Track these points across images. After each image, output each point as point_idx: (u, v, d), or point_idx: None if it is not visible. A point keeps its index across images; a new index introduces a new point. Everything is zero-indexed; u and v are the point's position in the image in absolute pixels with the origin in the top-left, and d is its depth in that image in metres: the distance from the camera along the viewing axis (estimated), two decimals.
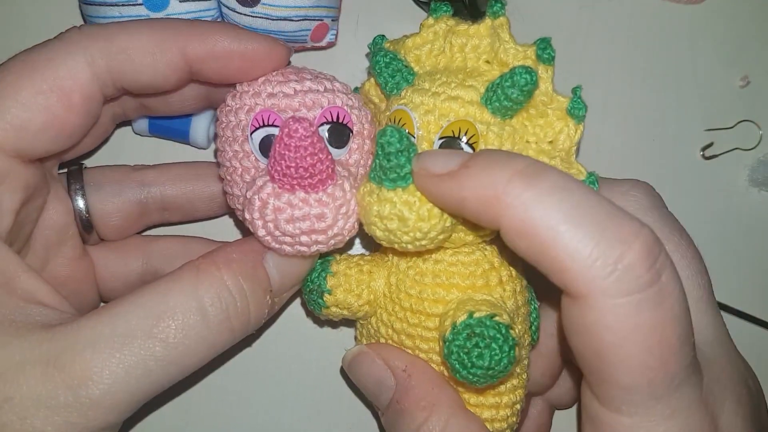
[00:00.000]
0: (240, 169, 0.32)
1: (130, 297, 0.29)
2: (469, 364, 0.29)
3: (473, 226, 0.31)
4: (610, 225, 0.24)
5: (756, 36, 0.44)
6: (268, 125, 0.31)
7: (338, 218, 0.30)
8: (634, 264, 0.24)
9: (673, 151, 0.44)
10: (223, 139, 0.33)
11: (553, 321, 0.36)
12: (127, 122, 0.40)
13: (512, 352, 0.29)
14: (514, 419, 0.34)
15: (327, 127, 0.32)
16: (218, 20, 0.38)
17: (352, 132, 0.32)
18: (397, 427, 0.32)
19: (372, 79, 0.35)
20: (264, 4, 0.36)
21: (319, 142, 0.29)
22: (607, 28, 0.44)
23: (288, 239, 0.30)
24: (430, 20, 0.34)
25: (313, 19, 0.37)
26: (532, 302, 0.35)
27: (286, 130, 0.28)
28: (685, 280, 0.28)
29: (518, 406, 0.33)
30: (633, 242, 0.24)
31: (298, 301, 0.42)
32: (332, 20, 0.39)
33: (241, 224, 0.38)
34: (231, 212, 0.40)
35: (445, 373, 0.32)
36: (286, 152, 0.29)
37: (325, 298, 0.34)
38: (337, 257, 0.35)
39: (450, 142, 0.30)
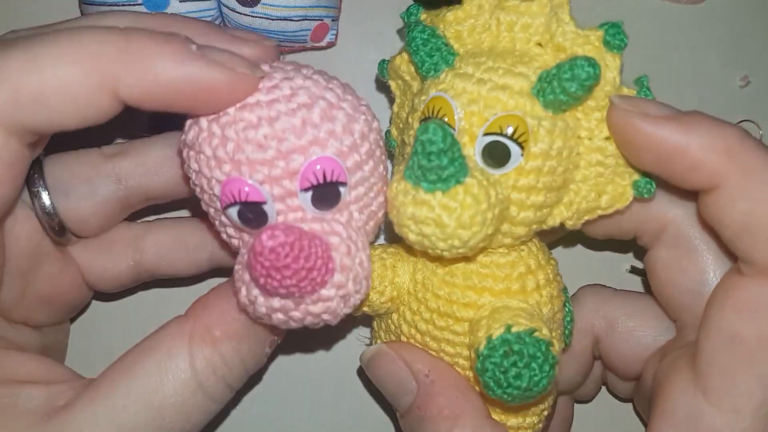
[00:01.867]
0: (224, 231, 0.28)
1: (125, 376, 0.27)
2: (506, 384, 0.26)
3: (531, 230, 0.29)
4: None
5: (756, 36, 0.44)
6: (239, 201, 0.25)
7: (348, 299, 0.27)
8: None
9: None
10: (198, 189, 0.27)
11: (588, 320, 0.35)
12: None
13: (552, 371, 0.27)
14: (541, 426, 0.32)
15: (310, 192, 0.26)
16: (210, 20, 0.35)
17: (346, 183, 0.27)
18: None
19: (404, 54, 0.31)
20: (264, 4, 0.36)
21: (302, 251, 0.24)
22: None
23: (296, 323, 0.27)
24: None
25: (313, 19, 0.37)
26: (567, 304, 0.33)
27: (258, 249, 0.23)
28: None
29: (546, 413, 0.32)
30: None
31: None
32: (332, 20, 0.38)
33: None
34: None
35: (470, 377, 0.30)
36: (268, 280, 0.24)
37: None
38: None
39: (498, 139, 0.27)
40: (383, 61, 0.34)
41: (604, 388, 0.40)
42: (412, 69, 0.31)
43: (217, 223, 0.28)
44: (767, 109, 0.44)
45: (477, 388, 0.30)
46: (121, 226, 0.36)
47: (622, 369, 0.35)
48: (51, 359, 0.29)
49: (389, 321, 0.32)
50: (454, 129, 0.28)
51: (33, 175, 0.32)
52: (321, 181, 0.26)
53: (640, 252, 0.42)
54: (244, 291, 0.26)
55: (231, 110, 0.26)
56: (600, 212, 0.29)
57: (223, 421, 0.41)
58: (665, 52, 0.44)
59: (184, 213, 0.40)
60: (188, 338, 0.27)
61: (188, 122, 0.27)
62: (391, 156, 0.39)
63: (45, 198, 0.31)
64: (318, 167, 0.25)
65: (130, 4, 0.35)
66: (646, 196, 0.29)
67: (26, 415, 0.26)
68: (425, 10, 0.31)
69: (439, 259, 0.30)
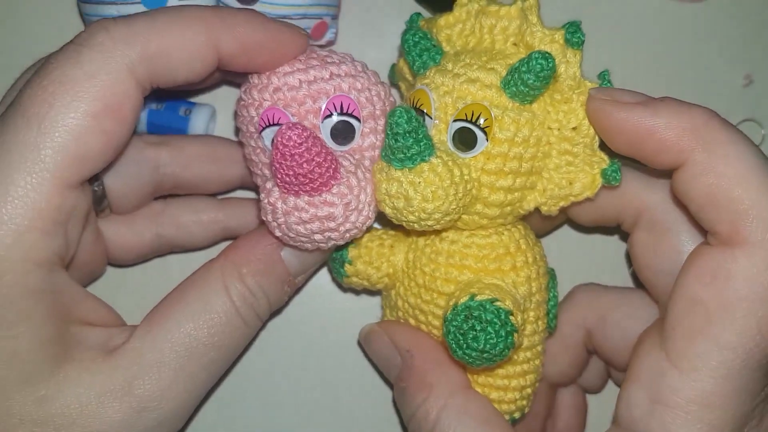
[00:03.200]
0: (259, 164, 0.33)
1: (173, 308, 0.31)
2: (464, 345, 0.29)
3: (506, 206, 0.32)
4: None
5: (759, 35, 0.44)
6: (274, 124, 0.32)
7: (349, 215, 0.30)
8: None
9: None
10: (243, 132, 0.34)
11: (581, 313, 0.37)
12: None
13: (510, 338, 0.29)
14: (524, 402, 0.34)
15: (334, 120, 0.32)
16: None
17: (360, 119, 0.32)
18: (400, 405, 0.33)
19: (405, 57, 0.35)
20: (263, 2, 0.36)
21: (314, 146, 0.29)
22: (609, 26, 0.44)
23: (303, 238, 0.31)
24: None
25: (313, 18, 0.37)
26: (552, 290, 0.35)
27: (279, 138, 0.28)
28: None
29: (528, 390, 0.34)
30: None
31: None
32: (332, 18, 0.38)
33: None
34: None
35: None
36: (283, 161, 0.28)
37: (345, 268, 0.35)
38: None
39: (464, 125, 0.30)
40: (393, 65, 0.38)
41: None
42: (409, 69, 0.34)
43: (251, 151, 0.33)
44: None
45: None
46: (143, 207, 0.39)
47: (615, 359, 0.37)
48: (108, 305, 0.32)
49: (390, 297, 0.36)
50: (432, 118, 0.31)
51: None
52: (339, 110, 0.32)
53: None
54: (266, 202, 0.30)
55: (275, 72, 0.33)
56: (572, 199, 0.32)
57: (231, 390, 0.41)
58: (668, 50, 0.44)
59: None
60: (221, 274, 0.32)
61: (243, 87, 0.34)
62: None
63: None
64: (338, 101, 0.32)
65: (127, 3, 0.35)
66: (613, 183, 0.31)
67: (90, 351, 0.29)
68: (431, 10, 0.34)
69: (428, 239, 0.34)
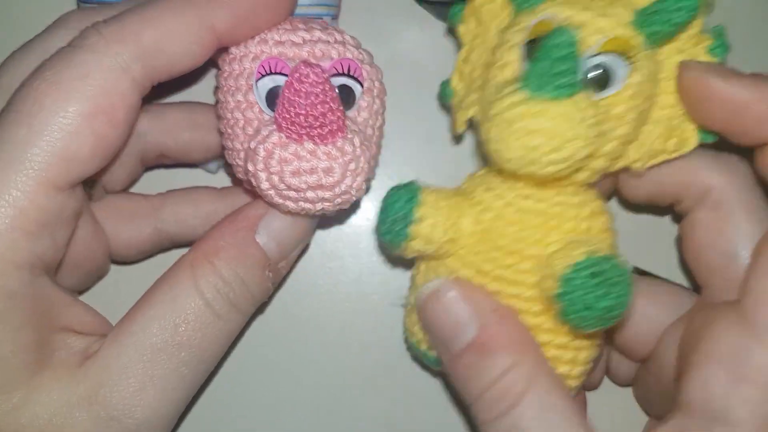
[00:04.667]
0: (242, 121, 0.30)
1: (140, 309, 0.29)
2: (587, 305, 0.27)
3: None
4: None
5: (756, 36, 0.44)
6: (275, 73, 0.30)
7: (347, 175, 0.29)
8: None
9: None
10: (225, 89, 0.31)
11: None
12: None
13: (631, 297, 0.27)
14: (585, 378, 0.32)
15: (337, 80, 0.30)
16: None
17: (362, 87, 0.31)
18: (474, 372, 0.30)
19: None
20: None
21: (331, 90, 0.27)
22: None
23: (293, 194, 0.29)
24: None
25: (313, 17, 0.37)
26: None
27: (297, 74, 0.27)
28: None
29: (591, 365, 0.32)
30: None
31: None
32: (332, 18, 0.39)
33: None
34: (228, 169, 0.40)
35: (528, 322, 0.30)
36: (296, 98, 0.27)
37: (410, 229, 0.30)
38: (424, 187, 0.31)
39: (605, 61, 0.28)
40: (457, 6, 0.34)
41: None
42: (495, 7, 0.32)
43: (236, 107, 0.31)
44: None
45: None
46: (140, 199, 0.38)
47: (635, 348, 0.35)
48: (95, 311, 0.31)
49: (440, 268, 0.32)
50: None
51: None
52: (345, 71, 0.30)
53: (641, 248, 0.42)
54: (261, 148, 0.28)
55: (276, 29, 0.31)
56: (666, 156, 0.31)
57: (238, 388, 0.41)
58: None
59: None
60: (190, 265, 0.30)
61: (226, 56, 0.31)
62: (446, 109, 0.40)
63: None
64: (345, 63, 0.30)
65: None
66: (709, 140, 0.30)
67: (67, 359, 0.28)
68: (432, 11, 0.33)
69: (508, 198, 0.30)
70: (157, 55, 0.28)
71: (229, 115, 0.31)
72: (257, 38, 0.30)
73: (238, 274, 0.30)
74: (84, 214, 0.34)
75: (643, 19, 0.28)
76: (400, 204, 0.31)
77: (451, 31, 0.37)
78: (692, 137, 0.31)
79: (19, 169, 0.26)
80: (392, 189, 0.31)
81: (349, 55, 0.30)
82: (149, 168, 0.39)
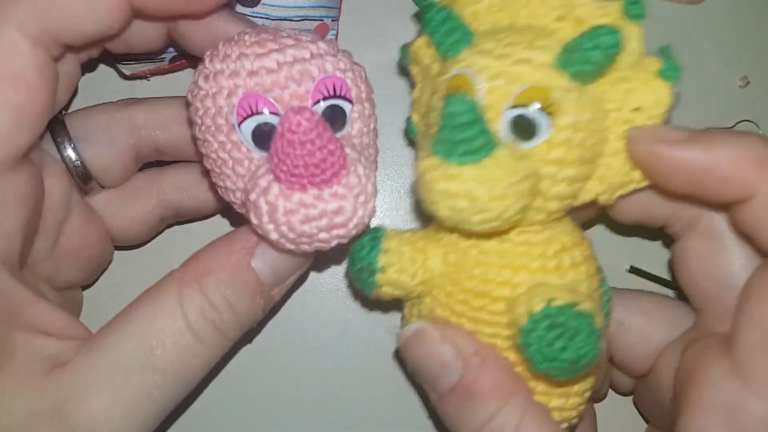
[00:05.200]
0: (231, 161, 0.29)
1: (119, 324, 0.28)
2: (552, 357, 0.26)
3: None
4: None
5: (756, 36, 0.44)
6: (257, 113, 0.27)
7: (357, 208, 0.28)
8: None
9: None
10: (203, 128, 0.29)
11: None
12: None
13: (598, 343, 0.27)
14: (583, 407, 0.31)
15: (323, 104, 0.28)
16: None
17: (351, 102, 0.29)
18: (461, 414, 0.30)
19: (423, 38, 0.32)
20: (264, 4, 0.36)
21: (325, 132, 0.26)
22: None
23: (305, 239, 0.28)
24: None
25: (313, 20, 0.37)
26: (604, 284, 0.32)
27: (287, 125, 0.26)
28: None
29: (588, 394, 0.31)
30: None
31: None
32: (332, 20, 0.39)
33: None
34: None
35: (511, 359, 0.30)
36: (291, 150, 0.26)
37: (376, 278, 0.31)
38: (387, 232, 0.31)
39: (524, 112, 0.27)
40: (404, 46, 0.34)
41: None
42: (431, 52, 0.31)
43: (219, 147, 0.29)
44: (767, 110, 0.44)
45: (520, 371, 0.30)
46: (138, 175, 0.37)
47: (634, 366, 0.35)
48: (72, 315, 0.29)
49: (421, 306, 0.32)
50: None
51: (57, 128, 0.33)
52: (331, 93, 0.28)
53: (639, 250, 0.42)
54: (262, 201, 0.27)
55: (243, 48, 0.28)
56: (634, 186, 0.30)
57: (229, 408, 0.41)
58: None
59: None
60: (178, 284, 0.28)
61: (199, 67, 0.29)
62: (412, 144, 0.40)
63: (69, 148, 0.33)
64: (329, 82, 0.28)
65: None
66: None
67: (32, 364, 0.26)
68: None
69: (471, 239, 0.30)
70: (55, 13, 0.26)
71: (214, 155, 0.29)
72: (227, 70, 0.28)
73: (226, 298, 0.29)
74: (75, 203, 0.33)
75: (564, 58, 0.27)
76: (364, 253, 0.31)
77: (404, 71, 0.36)
78: None
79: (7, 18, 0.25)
80: (357, 237, 0.30)
81: (329, 69, 0.28)
82: (146, 165, 0.38)
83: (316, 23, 0.37)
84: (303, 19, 0.37)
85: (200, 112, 0.29)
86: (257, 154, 0.28)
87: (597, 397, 0.39)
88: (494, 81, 0.27)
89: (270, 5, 0.36)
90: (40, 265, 0.32)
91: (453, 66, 0.28)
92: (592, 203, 0.30)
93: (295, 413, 0.42)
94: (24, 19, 0.25)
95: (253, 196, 0.27)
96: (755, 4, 0.44)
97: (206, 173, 0.31)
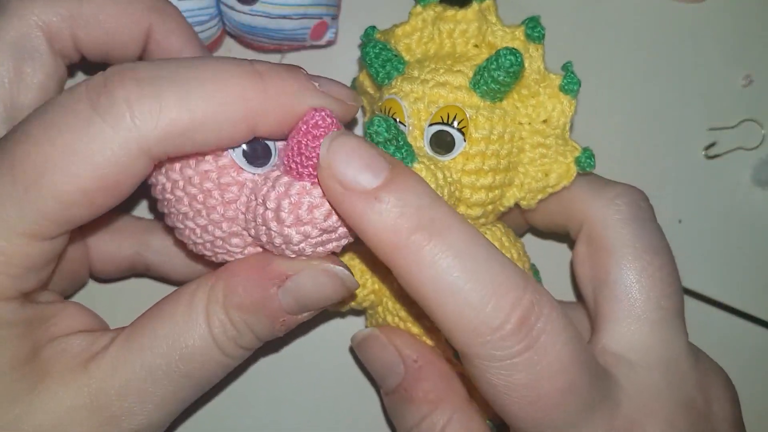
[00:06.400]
0: (217, 192, 0.29)
1: (152, 323, 0.29)
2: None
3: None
4: (493, 293, 0.26)
5: (759, 35, 0.44)
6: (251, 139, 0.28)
7: (321, 213, 0.28)
8: (507, 336, 0.26)
9: (675, 150, 0.44)
10: (177, 188, 0.29)
11: None
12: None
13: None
14: None
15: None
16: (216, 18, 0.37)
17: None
18: (400, 413, 0.33)
19: (364, 71, 0.35)
20: (263, 2, 0.35)
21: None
22: (609, 26, 0.44)
23: (325, 236, 0.29)
24: (418, 8, 0.34)
25: (313, 17, 0.37)
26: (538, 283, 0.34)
27: (312, 121, 0.27)
28: (643, 302, 0.31)
29: None
30: (510, 314, 0.26)
31: None
32: (332, 18, 0.38)
33: None
34: None
35: (451, 359, 0.33)
36: (318, 144, 0.27)
37: None
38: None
39: (441, 128, 0.31)
40: (354, 79, 0.38)
41: None
42: (371, 82, 0.35)
43: (201, 197, 0.29)
44: None
45: (460, 377, 0.33)
46: (129, 218, 0.38)
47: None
48: (91, 310, 0.31)
49: (377, 314, 0.35)
50: (405, 126, 0.31)
51: None
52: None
53: None
54: (285, 204, 0.27)
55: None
56: (550, 190, 0.33)
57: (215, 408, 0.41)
58: (667, 50, 0.44)
59: None
60: (207, 297, 0.29)
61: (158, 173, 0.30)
62: None
63: None
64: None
65: None
66: (588, 169, 0.32)
67: (69, 362, 0.28)
68: (448, 6, 0.34)
69: None
70: (183, 141, 0.26)
71: (194, 206, 0.29)
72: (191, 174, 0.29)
73: (247, 323, 0.29)
74: None
75: (475, 80, 0.31)
76: None
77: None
78: (570, 169, 0.32)
79: (10, 224, 0.26)
80: None
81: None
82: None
83: (315, 21, 0.37)
84: (302, 17, 0.36)
85: (168, 186, 0.29)
86: (250, 173, 0.29)
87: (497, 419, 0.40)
88: (416, 104, 0.31)
89: (269, 3, 0.35)
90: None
91: (386, 92, 0.33)
92: (519, 208, 0.34)
93: (295, 413, 0.42)
94: (154, 144, 0.26)
95: (270, 204, 0.28)
96: (757, 3, 0.44)
97: (183, 245, 0.31)
